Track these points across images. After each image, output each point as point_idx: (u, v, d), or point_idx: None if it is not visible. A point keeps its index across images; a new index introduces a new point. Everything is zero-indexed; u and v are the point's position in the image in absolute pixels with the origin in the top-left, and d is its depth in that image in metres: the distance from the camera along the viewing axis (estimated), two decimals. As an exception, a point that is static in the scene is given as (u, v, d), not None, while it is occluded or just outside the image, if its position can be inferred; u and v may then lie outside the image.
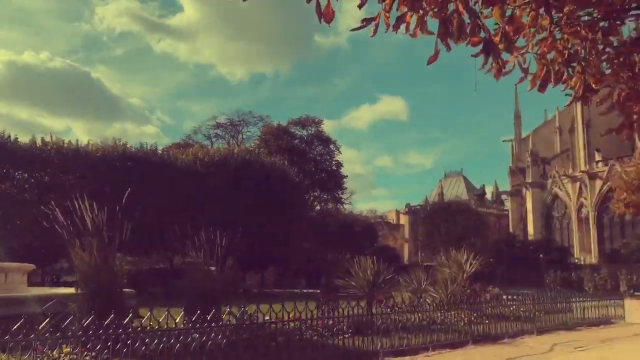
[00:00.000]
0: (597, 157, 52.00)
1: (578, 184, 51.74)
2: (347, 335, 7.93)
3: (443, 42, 3.85)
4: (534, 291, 15.67)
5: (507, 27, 3.82)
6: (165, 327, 7.15)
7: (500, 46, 3.80)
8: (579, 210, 51.63)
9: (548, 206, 55.52)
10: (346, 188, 47.01)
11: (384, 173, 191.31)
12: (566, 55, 4.52)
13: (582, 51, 4.26)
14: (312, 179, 46.84)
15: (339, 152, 48.18)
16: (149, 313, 7.40)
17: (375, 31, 3.80)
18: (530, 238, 53.26)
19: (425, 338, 8.16)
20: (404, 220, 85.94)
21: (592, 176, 50.28)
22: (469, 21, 3.69)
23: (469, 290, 12.20)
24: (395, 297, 11.78)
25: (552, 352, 7.96)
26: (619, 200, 29.62)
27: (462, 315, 9.83)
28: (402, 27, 3.82)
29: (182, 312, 8.25)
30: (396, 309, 8.65)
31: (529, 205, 56.27)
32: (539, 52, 4.30)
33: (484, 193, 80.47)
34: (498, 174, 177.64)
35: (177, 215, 25.74)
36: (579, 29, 4.08)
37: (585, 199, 50.83)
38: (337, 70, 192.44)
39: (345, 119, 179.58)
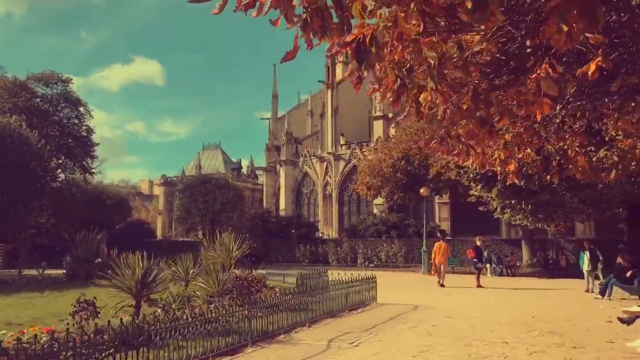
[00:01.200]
0: (342, 140, 57.31)
1: (325, 163, 56.35)
2: (110, 351, 6.54)
3: (305, 38, 3.16)
4: (297, 272, 16.09)
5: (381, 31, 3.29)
6: None
7: (373, 50, 3.25)
8: (324, 188, 56.33)
9: (299, 183, 59.36)
10: (97, 157, 42.81)
11: (135, 139, 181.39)
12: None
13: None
14: (57, 144, 41.43)
15: (91, 116, 43.50)
16: None
17: (221, 8, 2.92)
18: (281, 212, 56.34)
19: (205, 346, 7.42)
20: (158, 191, 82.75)
21: (337, 158, 55.27)
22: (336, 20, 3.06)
23: (240, 280, 11.78)
24: (160, 294, 10.72)
25: (330, 349, 8.01)
26: (362, 182, 32.96)
27: (237, 311, 9.28)
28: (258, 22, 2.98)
29: None
30: (171, 314, 7.68)
31: (282, 181, 59.37)
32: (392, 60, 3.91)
33: (240, 167, 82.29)
34: (254, 149, 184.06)
35: None
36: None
37: (330, 177, 55.69)
38: (85, 22, 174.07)
39: (93, 77, 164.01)
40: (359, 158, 53.19)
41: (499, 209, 20.92)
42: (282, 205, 58.53)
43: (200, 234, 47.58)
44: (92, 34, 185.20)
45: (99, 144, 43.05)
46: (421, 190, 29.37)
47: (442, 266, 20.12)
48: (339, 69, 59.99)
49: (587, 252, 19.04)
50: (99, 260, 23.60)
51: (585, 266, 18.99)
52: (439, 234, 27.03)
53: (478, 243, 21.46)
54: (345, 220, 54.22)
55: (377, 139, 51.75)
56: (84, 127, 42.47)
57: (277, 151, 63.40)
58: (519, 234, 47.12)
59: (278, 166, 61.34)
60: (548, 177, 7.65)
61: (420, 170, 30.60)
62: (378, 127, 52.62)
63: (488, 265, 28.73)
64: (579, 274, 20.79)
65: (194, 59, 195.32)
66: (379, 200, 48.19)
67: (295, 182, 59.44)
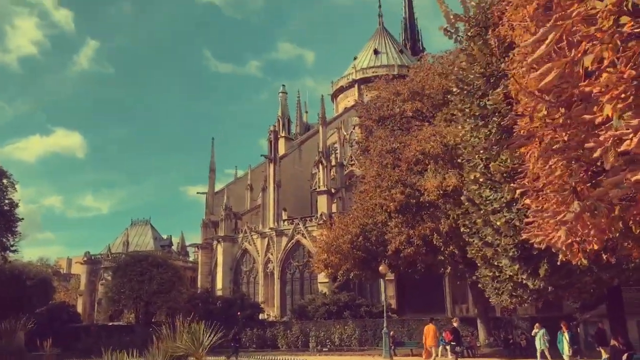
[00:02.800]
0: (284, 215, 55.87)
1: (267, 239, 54.38)
2: None
3: None
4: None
5: None
6: None
7: None
8: (265, 265, 54.01)
9: (237, 260, 56.68)
10: (20, 233, 38.72)
11: (51, 215, 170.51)
12: None
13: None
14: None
15: (14, 188, 39.77)
16: None
17: None
18: (218, 292, 53.09)
19: None
20: (79, 269, 76.79)
21: (279, 233, 53.53)
22: None
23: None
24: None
25: None
26: (319, 260, 31.47)
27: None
28: None
29: None
30: None
31: (220, 258, 56.48)
32: None
33: (170, 244, 78.45)
34: (185, 225, 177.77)
35: None
36: None
37: (272, 254, 53.60)
38: (2, 92, 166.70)
39: (7, 148, 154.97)
40: (303, 234, 51.91)
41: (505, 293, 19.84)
42: (218, 284, 55.30)
43: (133, 316, 43.60)
44: (9, 105, 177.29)
45: (22, 219, 39.13)
46: (380, 268, 28.29)
47: (433, 349, 19.10)
48: (281, 143, 59.59)
49: (566, 334, 18.28)
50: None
51: (566, 351, 18.09)
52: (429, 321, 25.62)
53: (455, 324, 20.42)
54: (288, 300, 51.81)
55: (320, 214, 50.89)
56: (6, 201, 38.58)
57: (214, 227, 60.81)
58: (463, 311, 46.83)
59: (215, 243, 58.54)
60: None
61: (377, 246, 29.67)
62: (322, 202, 51.82)
63: (448, 347, 27.58)
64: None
65: (120, 131, 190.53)
66: (323, 278, 46.59)
67: (234, 260, 56.72)
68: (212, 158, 67.16)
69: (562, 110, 5.67)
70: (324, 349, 32.95)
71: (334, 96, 74.41)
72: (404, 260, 28.77)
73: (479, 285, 20.00)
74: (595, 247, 6.74)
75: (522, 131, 6.37)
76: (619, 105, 3.64)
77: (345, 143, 66.28)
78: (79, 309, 62.42)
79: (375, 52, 72.79)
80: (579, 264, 8.12)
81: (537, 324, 22.15)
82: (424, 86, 32.96)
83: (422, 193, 27.13)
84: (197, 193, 73.84)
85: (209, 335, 14.10)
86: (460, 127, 13.13)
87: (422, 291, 47.02)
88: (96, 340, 32.30)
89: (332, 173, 54.70)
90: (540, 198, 6.59)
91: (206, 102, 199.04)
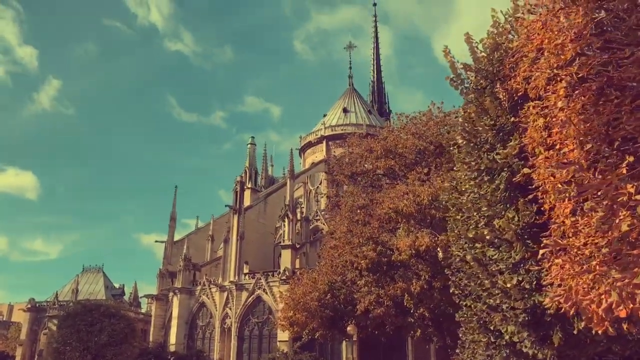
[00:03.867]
0: (246, 269, 54.26)
1: (226, 293, 52.44)
2: None
3: None
4: None
5: None
6: None
7: None
8: (223, 321, 51.82)
9: (194, 314, 54.26)
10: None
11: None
12: None
13: None
14: None
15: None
16: None
17: None
18: (171, 347, 50.39)
19: None
20: (20, 317, 72.27)
21: (240, 287, 51.77)
22: None
23: None
24: None
25: None
26: (285, 317, 30.16)
27: None
28: None
29: None
30: None
31: (175, 311, 53.95)
32: None
33: (122, 293, 75.32)
34: (138, 274, 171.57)
35: None
36: None
37: (231, 309, 51.58)
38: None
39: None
40: (264, 289, 50.26)
41: None
42: (172, 339, 52.48)
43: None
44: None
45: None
46: (348, 328, 27.27)
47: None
48: (247, 195, 58.67)
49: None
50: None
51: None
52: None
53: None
54: (245, 358, 49.51)
55: (284, 270, 49.58)
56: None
57: (172, 277, 58.45)
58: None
59: (171, 294, 56.03)
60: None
61: (346, 306, 28.69)
62: (286, 256, 50.62)
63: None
64: None
65: (76, 174, 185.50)
66: (283, 336, 44.83)
67: (190, 313, 54.24)
68: (174, 207, 65.48)
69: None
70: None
71: (302, 151, 74.64)
72: (372, 320, 27.83)
73: (457, 351, 19.21)
74: (623, 314, 6.24)
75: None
76: None
77: (311, 198, 65.90)
78: (18, 359, 58.10)
79: (345, 110, 73.91)
80: (596, 332, 7.62)
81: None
82: (397, 145, 33.12)
83: (393, 252, 26.63)
84: (156, 241, 71.53)
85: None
86: (454, 181, 12.79)
87: (384, 354, 45.79)
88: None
89: (297, 227, 53.85)
90: (568, 257, 6.11)
91: (166, 149, 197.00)
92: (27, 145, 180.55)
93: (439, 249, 23.91)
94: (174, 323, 53.31)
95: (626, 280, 4.48)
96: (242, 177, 58.73)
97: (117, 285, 76.90)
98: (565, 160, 6.04)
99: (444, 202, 25.57)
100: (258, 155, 70.32)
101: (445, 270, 14.06)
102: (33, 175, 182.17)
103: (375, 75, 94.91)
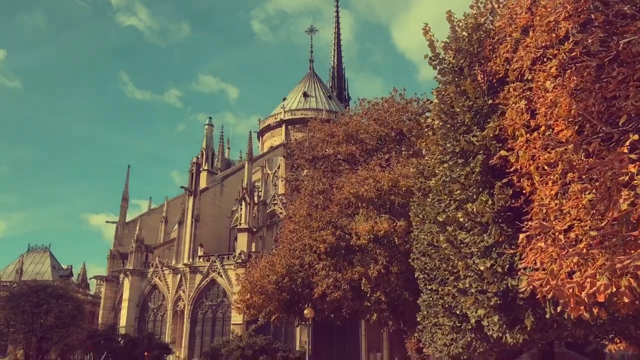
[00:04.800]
0: (201, 252, 53.45)
1: (179, 276, 51.61)
2: None
3: None
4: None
5: None
6: None
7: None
8: (175, 303, 51.01)
9: (145, 296, 53.17)
10: None
11: None
12: None
13: None
14: None
15: None
16: None
17: None
18: (122, 329, 49.20)
19: None
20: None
21: (194, 270, 51.02)
22: None
23: None
24: None
25: None
26: (242, 300, 29.76)
27: None
28: None
29: None
30: None
31: (126, 293, 52.71)
32: None
33: (70, 274, 73.04)
34: (85, 255, 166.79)
35: None
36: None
37: (184, 292, 50.81)
38: None
39: None
40: (219, 272, 49.67)
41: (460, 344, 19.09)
42: (123, 321, 51.29)
43: (21, 353, 38.98)
44: None
45: None
46: (306, 312, 27.18)
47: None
48: (203, 177, 57.56)
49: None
50: None
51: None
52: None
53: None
54: (197, 341, 48.91)
55: (239, 253, 49.08)
56: None
57: (123, 259, 57.05)
58: (377, 359, 46.37)
59: (122, 276, 54.67)
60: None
61: (304, 289, 28.56)
62: (242, 240, 50.11)
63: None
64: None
65: (20, 151, 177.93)
66: (237, 319, 44.53)
67: (142, 296, 53.11)
68: (127, 187, 63.80)
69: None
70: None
71: (260, 134, 73.80)
72: (329, 304, 27.78)
73: (415, 334, 19.36)
74: (602, 299, 6.23)
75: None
76: None
77: (269, 182, 65.37)
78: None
79: (305, 95, 73.40)
80: (563, 317, 7.66)
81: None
82: (358, 130, 33.06)
83: (352, 236, 26.63)
84: (107, 222, 69.53)
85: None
86: (420, 166, 12.68)
87: (337, 337, 46.18)
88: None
89: (254, 211, 53.33)
90: (550, 240, 6.04)
91: (119, 128, 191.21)
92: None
93: (418, 233, 24.04)
94: (125, 305, 52.11)
95: (625, 262, 4.40)
96: (198, 159, 57.59)
97: (64, 266, 74.39)
98: (551, 142, 5.92)
99: (404, 188, 25.83)
100: (215, 137, 69.11)
101: (411, 255, 14.04)
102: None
103: (336, 61, 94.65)
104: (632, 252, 4.36)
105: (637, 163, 3.84)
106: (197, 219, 53.59)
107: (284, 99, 75.62)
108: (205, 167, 59.31)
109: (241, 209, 52.59)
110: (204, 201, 56.29)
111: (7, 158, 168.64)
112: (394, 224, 25.37)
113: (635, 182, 3.81)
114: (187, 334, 48.79)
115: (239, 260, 47.14)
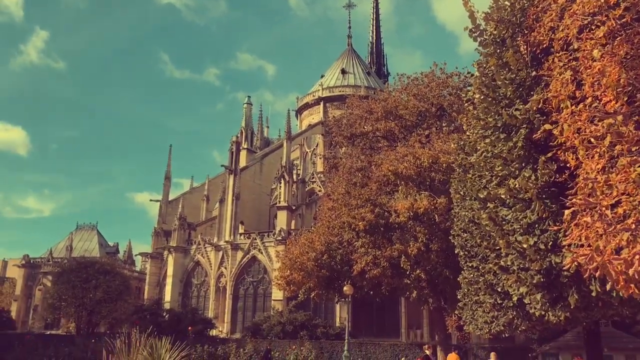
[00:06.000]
0: (241, 229, 54.29)
1: (221, 253, 52.61)
2: None
3: None
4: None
5: None
6: None
7: None
8: (218, 280, 52.13)
9: (189, 273, 54.53)
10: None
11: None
12: None
13: None
14: None
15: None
16: None
17: None
18: (166, 304, 50.70)
19: None
20: (15, 272, 72.41)
21: (235, 247, 51.88)
22: None
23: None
24: None
25: None
26: (282, 276, 30.20)
27: None
28: None
29: None
30: None
31: (170, 269, 54.16)
32: None
33: (117, 251, 75.51)
34: (133, 233, 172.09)
35: None
36: None
37: (226, 268, 51.82)
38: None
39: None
40: (260, 249, 50.41)
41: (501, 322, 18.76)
42: (167, 296, 52.84)
43: (73, 326, 40.80)
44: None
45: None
46: (345, 288, 27.28)
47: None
48: (243, 155, 58.17)
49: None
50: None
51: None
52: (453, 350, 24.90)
53: (427, 352, 19.44)
54: (239, 316, 50.00)
55: (279, 230, 49.64)
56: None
57: (166, 236, 58.51)
58: (417, 337, 46.31)
59: (166, 253, 56.15)
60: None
61: (342, 266, 28.70)
62: (282, 217, 50.60)
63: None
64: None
65: (67, 132, 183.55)
66: (277, 295, 45.23)
67: (185, 272, 54.49)
68: (169, 166, 65.00)
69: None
70: (276, 370, 31.55)
71: (299, 112, 73.81)
72: (369, 281, 27.88)
73: (456, 312, 19.20)
74: (650, 276, 6.00)
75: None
76: None
77: (307, 160, 65.54)
78: (13, 314, 58.53)
79: (343, 71, 72.81)
80: (610, 295, 7.42)
81: (493, 353, 21.60)
82: (397, 106, 32.61)
83: (391, 214, 26.49)
84: (150, 200, 71.45)
85: (172, 352, 12.74)
86: (461, 142, 12.42)
87: (377, 314, 46.35)
88: (31, 351, 29.78)
89: (293, 189, 53.70)
90: (597, 216, 5.82)
91: (159, 107, 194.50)
92: (16, 100, 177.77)
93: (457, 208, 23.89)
94: (169, 281, 53.61)
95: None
96: (238, 138, 58.12)
97: (111, 244, 76.99)
98: (598, 114, 5.65)
99: (444, 165, 25.42)
100: (253, 115, 69.51)
101: (451, 232, 13.85)
102: (22, 131, 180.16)
103: (375, 36, 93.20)
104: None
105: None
106: (237, 197, 54.34)
107: (322, 76, 75.23)
108: (245, 146, 59.87)
109: (280, 187, 53.01)
110: (244, 179, 56.96)
111: (54, 138, 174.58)
112: (434, 201, 25.10)
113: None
114: (229, 309, 49.89)
115: (279, 238, 47.65)
